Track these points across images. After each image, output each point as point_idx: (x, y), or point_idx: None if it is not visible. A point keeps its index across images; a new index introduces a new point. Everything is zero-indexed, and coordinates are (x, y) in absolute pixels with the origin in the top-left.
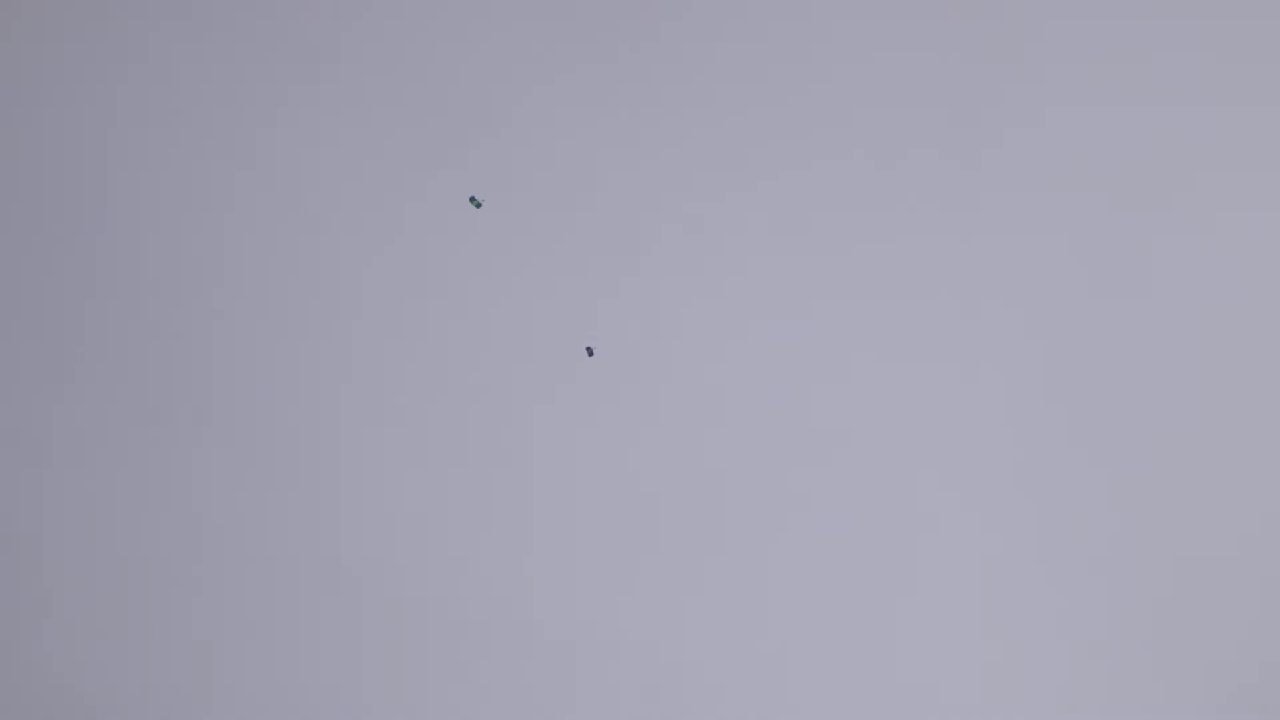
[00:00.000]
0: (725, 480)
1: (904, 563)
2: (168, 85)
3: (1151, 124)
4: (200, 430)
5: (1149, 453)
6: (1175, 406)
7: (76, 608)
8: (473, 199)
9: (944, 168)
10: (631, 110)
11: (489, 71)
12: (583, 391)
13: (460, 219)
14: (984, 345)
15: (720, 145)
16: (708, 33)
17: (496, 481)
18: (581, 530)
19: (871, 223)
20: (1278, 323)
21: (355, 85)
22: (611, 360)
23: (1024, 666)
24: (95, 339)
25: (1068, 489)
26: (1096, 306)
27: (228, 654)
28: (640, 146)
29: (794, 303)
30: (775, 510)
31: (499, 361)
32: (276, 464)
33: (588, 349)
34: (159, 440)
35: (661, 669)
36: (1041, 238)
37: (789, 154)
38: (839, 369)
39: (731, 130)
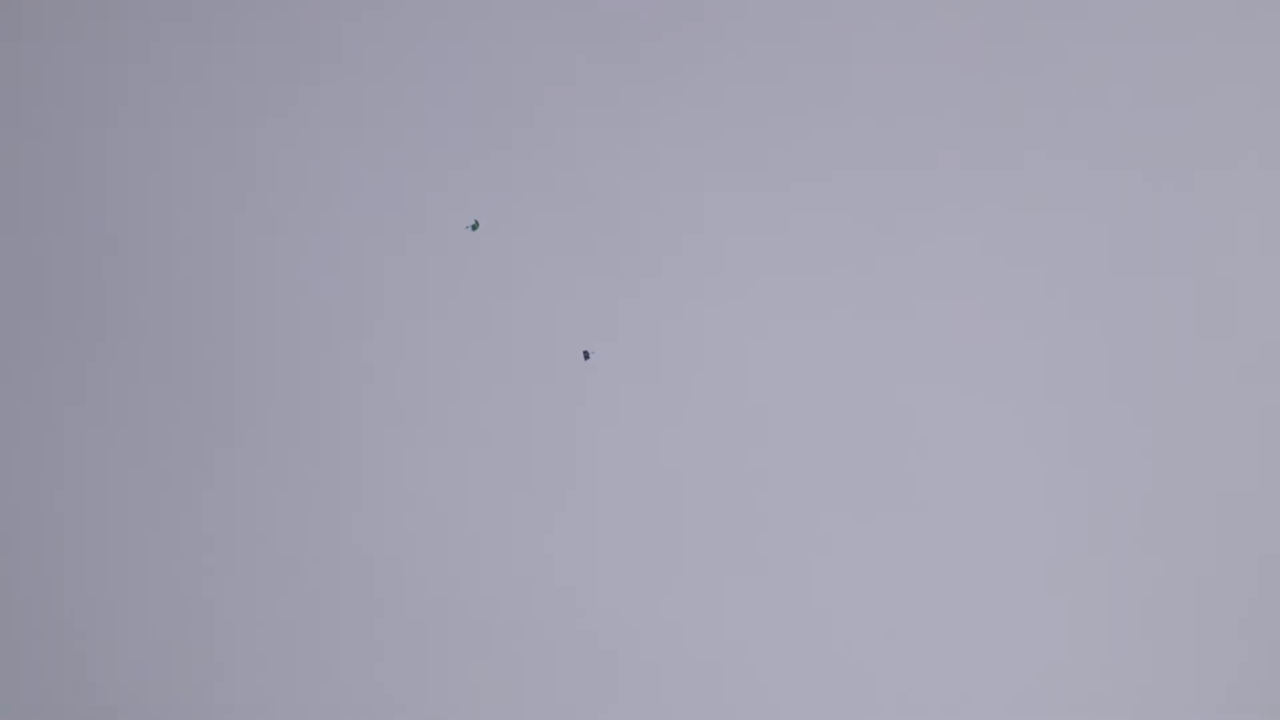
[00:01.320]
0: (748, 482)
1: (913, 562)
2: (168, 85)
3: (1164, 128)
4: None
5: (1153, 455)
6: (1180, 411)
7: (91, 605)
8: (472, 224)
9: (966, 172)
10: (653, 114)
11: (507, 71)
12: (606, 392)
13: (478, 220)
14: (997, 349)
15: (740, 150)
16: (726, 37)
17: (516, 482)
18: (607, 530)
19: (891, 226)
20: None
21: (368, 86)
22: (638, 360)
23: (1025, 667)
24: (111, 337)
25: (1074, 491)
26: (1112, 316)
27: (244, 653)
28: (661, 151)
29: (812, 303)
30: (794, 510)
31: (518, 362)
32: (297, 469)
33: (584, 353)
34: (177, 438)
35: (671, 667)
36: (1064, 241)
37: (809, 158)
38: (857, 370)
39: (752, 135)
